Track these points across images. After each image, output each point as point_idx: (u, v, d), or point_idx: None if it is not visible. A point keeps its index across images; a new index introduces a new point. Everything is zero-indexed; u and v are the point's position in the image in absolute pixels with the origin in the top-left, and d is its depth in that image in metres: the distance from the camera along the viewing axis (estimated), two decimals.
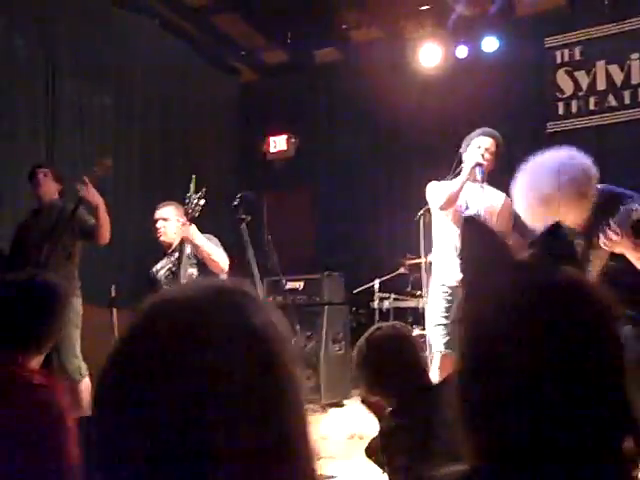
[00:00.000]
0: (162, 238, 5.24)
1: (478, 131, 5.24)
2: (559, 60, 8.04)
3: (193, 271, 5.03)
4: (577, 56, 7.94)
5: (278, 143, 9.57)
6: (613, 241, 3.36)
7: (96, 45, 7.72)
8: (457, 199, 4.90)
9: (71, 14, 7.39)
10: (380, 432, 2.65)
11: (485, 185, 5.01)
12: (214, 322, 0.89)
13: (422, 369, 2.70)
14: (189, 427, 0.83)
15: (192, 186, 4.85)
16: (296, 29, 8.81)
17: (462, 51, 8.07)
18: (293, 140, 9.48)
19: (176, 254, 5.07)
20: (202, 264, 4.99)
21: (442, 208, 4.95)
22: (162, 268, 5.24)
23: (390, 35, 8.64)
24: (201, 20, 8.99)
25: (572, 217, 3.42)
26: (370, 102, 8.41)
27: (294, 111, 9.27)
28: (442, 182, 5.09)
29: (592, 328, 0.96)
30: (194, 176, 4.89)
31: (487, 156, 4.99)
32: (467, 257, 1.10)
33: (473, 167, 4.92)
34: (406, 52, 8.23)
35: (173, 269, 5.11)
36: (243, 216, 4.64)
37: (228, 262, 5.01)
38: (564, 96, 8.00)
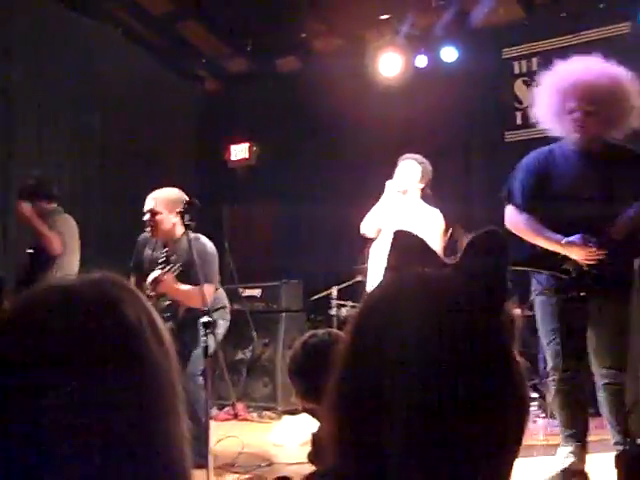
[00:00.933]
0: (154, 233, 5.11)
1: (402, 157, 5.75)
2: (517, 71, 8.12)
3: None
4: (534, 67, 8.01)
5: (239, 151, 9.55)
6: None
7: (57, 53, 7.68)
8: (379, 225, 5.43)
9: (32, 21, 7.34)
10: (312, 438, 2.64)
11: (415, 206, 5.49)
12: (88, 312, 0.90)
13: None
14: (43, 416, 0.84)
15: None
16: (257, 37, 8.83)
17: (422, 60, 8.12)
18: (254, 148, 9.47)
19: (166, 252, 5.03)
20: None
21: (368, 235, 5.51)
22: (156, 260, 5.07)
23: (350, 44, 8.68)
24: (164, 28, 8.98)
25: None
26: (331, 111, 8.43)
27: (256, 119, 9.27)
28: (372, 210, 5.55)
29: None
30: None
31: (404, 180, 5.56)
32: (392, 264, 1.09)
33: (391, 194, 5.49)
34: (366, 61, 8.25)
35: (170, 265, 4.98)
36: (188, 222, 4.61)
37: (212, 291, 4.97)
38: (522, 106, 8.07)
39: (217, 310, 5.18)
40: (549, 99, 4.23)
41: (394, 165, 8.29)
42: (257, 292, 7.59)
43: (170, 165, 9.03)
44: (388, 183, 5.54)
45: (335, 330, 2.99)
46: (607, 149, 4.09)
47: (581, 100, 4.02)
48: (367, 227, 5.52)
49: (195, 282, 4.61)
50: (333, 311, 7.18)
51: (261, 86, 9.29)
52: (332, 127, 8.75)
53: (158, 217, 5.02)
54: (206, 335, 4.32)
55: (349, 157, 8.82)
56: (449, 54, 8.03)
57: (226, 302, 5.42)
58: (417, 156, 5.68)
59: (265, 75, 9.30)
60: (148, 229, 5.10)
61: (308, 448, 2.95)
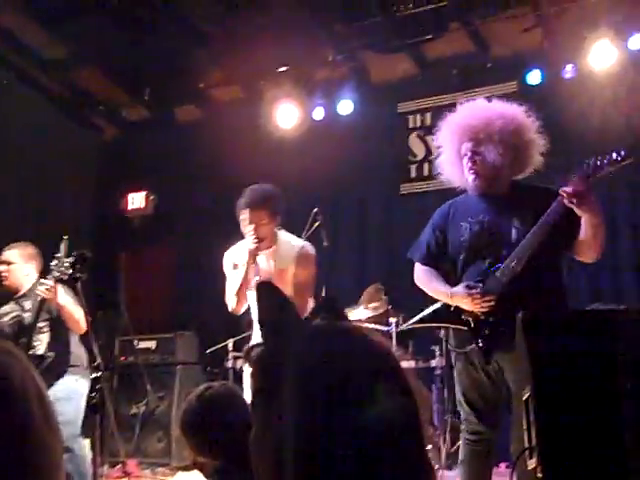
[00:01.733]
0: (5, 283, 5.08)
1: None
2: (411, 125, 8.34)
3: (44, 325, 4.90)
4: (428, 121, 8.25)
5: (136, 200, 9.43)
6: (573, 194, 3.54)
7: None
8: (244, 295, 4.76)
9: None
10: None
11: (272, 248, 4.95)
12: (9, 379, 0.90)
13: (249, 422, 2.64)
14: None
15: (63, 247, 4.70)
16: (156, 85, 8.79)
17: (319, 113, 8.24)
18: (152, 197, 9.37)
19: (28, 303, 4.94)
20: (55, 319, 4.91)
21: (235, 312, 4.91)
22: (7, 314, 5.05)
23: (249, 95, 8.74)
24: (59, 73, 8.84)
25: None
26: (229, 161, 8.43)
27: (153, 168, 9.19)
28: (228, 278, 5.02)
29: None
30: (66, 237, 4.75)
31: (249, 229, 4.85)
32: (261, 320, 1.14)
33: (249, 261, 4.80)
34: (263, 112, 8.32)
35: (21, 318, 4.94)
36: (78, 275, 4.51)
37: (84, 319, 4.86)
38: (416, 159, 8.28)
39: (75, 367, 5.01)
40: (444, 149, 4.20)
41: (289, 216, 8.36)
42: (152, 344, 7.47)
43: (67, 214, 8.84)
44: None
45: (231, 383, 2.96)
46: (512, 189, 3.97)
47: (468, 142, 3.92)
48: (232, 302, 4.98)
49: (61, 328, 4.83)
50: (229, 363, 7.11)
51: (160, 135, 9.24)
52: (229, 177, 8.73)
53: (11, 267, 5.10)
54: (96, 391, 4.22)
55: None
56: (345, 107, 8.16)
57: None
58: (259, 195, 5.09)
59: (164, 123, 9.25)
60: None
61: None
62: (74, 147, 9.26)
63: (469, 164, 3.93)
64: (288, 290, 4.64)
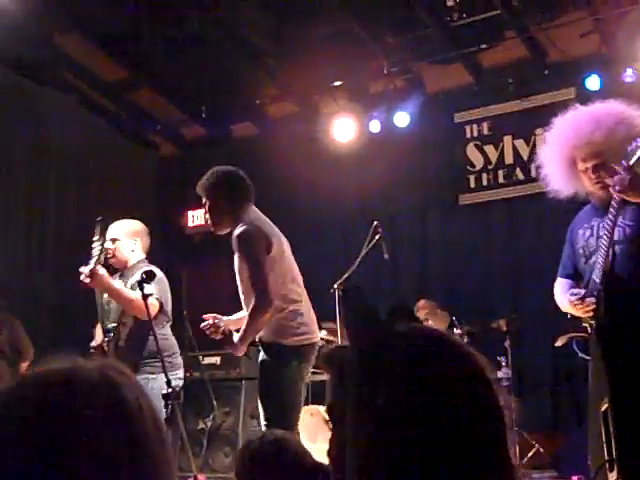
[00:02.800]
0: (112, 260, 5.08)
1: None
2: (469, 135, 8.30)
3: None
4: (485, 131, 8.21)
5: (197, 217, 9.55)
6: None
7: (10, 119, 7.66)
8: None
9: None
10: None
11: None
12: (88, 400, 0.89)
13: (306, 472, 2.62)
14: None
15: (97, 230, 4.79)
16: (212, 103, 8.90)
17: (375, 126, 8.24)
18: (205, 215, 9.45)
19: (132, 279, 4.90)
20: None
21: None
22: None
23: (304, 109, 8.80)
24: (118, 95, 9.03)
25: None
26: (286, 176, 8.50)
27: None
28: None
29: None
30: (99, 219, 4.84)
31: None
32: (347, 326, 1.19)
33: None
34: (320, 127, 8.37)
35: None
36: (148, 293, 4.58)
37: (156, 307, 4.86)
38: (475, 169, 8.23)
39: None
40: (552, 159, 4.10)
41: (348, 229, 8.41)
42: (216, 360, 7.52)
43: None
44: None
45: (280, 432, 2.88)
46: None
47: (587, 158, 3.86)
48: None
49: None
50: None
51: (216, 151, 9.33)
52: (286, 192, 8.80)
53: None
54: (167, 407, 4.27)
55: (303, 221, 8.86)
56: (402, 119, 8.16)
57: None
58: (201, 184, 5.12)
59: (220, 140, 9.36)
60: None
61: None
62: (133, 165, 9.43)
63: (593, 177, 3.87)
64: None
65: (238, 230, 4.51)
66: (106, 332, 4.97)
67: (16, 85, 7.79)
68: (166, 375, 4.38)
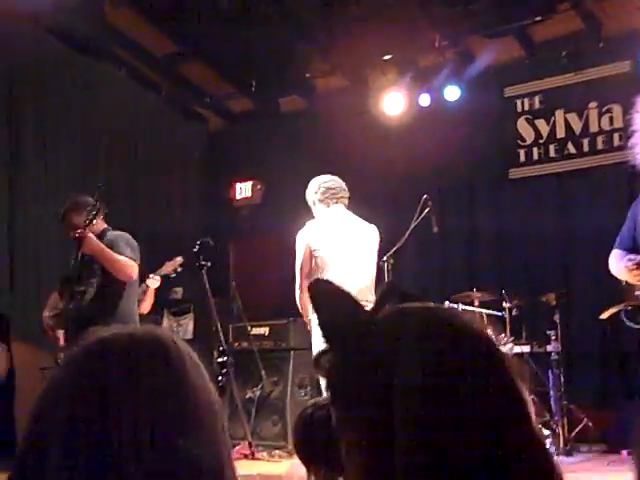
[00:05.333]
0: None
1: None
2: (519, 109, 8.22)
3: (96, 266, 4.94)
4: (537, 105, 8.12)
5: (244, 190, 9.61)
6: None
7: (62, 93, 7.77)
8: None
9: (37, 61, 7.42)
10: None
11: None
12: (147, 379, 0.95)
13: None
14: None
15: (96, 195, 4.92)
16: (261, 77, 8.92)
17: (425, 99, 8.20)
18: (259, 187, 9.53)
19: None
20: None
21: None
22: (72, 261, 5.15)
23: (354, 83, 8.79)
24: (167, 68, 9.08)
25: None
26: (334, 150, 8.49)
27: (260, 158, 9.34)
28: None
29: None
30: (100, 185, 4.93)
31: None
32: (323, 323, 1.03)
33: None
34: (369, 100, 8.35)
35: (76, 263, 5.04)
36: (203, 262, 4.63)
37: (136, 268, 4.96)
38: (525, 144, 8.16)
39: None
40: None
41: (397, 202, 8.40)
42: (265, 330, 7.59)
43: (174, 203, 9.10)
44: None
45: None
46: None
47: None
48: None
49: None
50: None
51: (265, 125, 9.37)
52: (335, 165, 8.76)
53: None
54: (222, 375, 4.34)
55: (353, 195, 8.86)
56: (452, 93, 8.10)
57: None
58: None
59: (269, 114, 9.38)
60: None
61: None
62: (182, 138, 9.52)
63: None
64: None
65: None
66: (72, 294, 5.01)
67: (67, 59, 7.87)
68: (222, 344, 4.45)
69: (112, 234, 5.09)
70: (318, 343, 4.85)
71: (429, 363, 0.91)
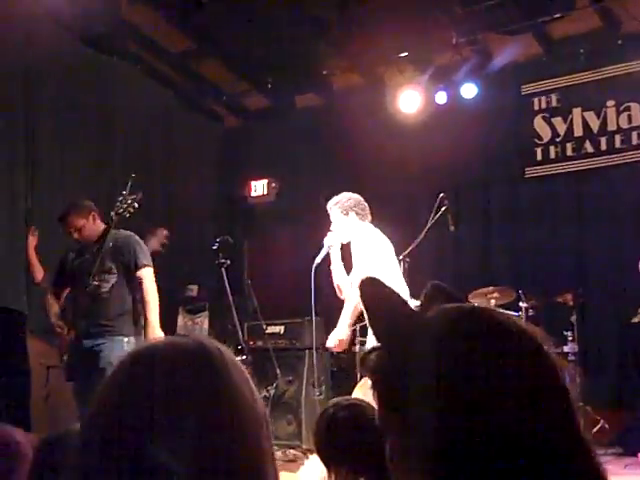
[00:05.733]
0: (82, 240, 5.23)
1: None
2: (536, 107, 8.17)
3: (112, 265, 5.04)
4: (554, 103, 8.07)
5: (259, 187, 9.59)
6: None
7: (78, 91, 7.77)
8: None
9: (53, 58, 7.42)
10: None
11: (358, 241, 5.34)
12: (193, 387, 0.94)
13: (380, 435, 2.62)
14: None
15: (129, 185, 4.92)
16: (277, 74, 8.90)
17: (441, 97, 8.16)
18: (274, 185, 9.51)
19: (96, 246, 5.09)
20: (119, 260, 5.06)
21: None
22: (76, 258, 5.23)
23: (370, 81, 8.76)
24: (183, 66, 9.08)
25: None
26: (350, 147, 8.48)
27: (275, 156, 9.33)
28: None
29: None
30: (133, 175, 4.96)
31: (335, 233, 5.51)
32: (373, 324, 1.05)
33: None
34: (386, 98, 8.31)
35: (89, 260, 5.09)
36: (222, 260, 4.64)
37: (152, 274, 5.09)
38: (542, 142, 8.12)
39: None
40: None
41: (413, 201, 8.37)
42: (280, 329, 7.58)
43: (189, 201, 9.09)
44: (325, 240, 5.56)
45: (357, 398, 2.90)
46: None
47: None
48: (339, 291, 5.49)
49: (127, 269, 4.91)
50: (356, 348, 7.17)
51: (280, 123, 9.35)
52: (351, 163, 8.79)
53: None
54: None
55: (368, 193, 8.81)
56: (469, 91, 8.06)
57: None
58: (331, 201, 5.68)
59: (284, 111, 9.37)
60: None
61: None
62: (198, 136, 9.51)
63: None
64: None
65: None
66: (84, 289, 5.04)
67: (83, 56, 7.88)
68: (239, 342, 4.45)
69: (121, 237, 5.16)
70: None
71: (482, 361, 0.92)
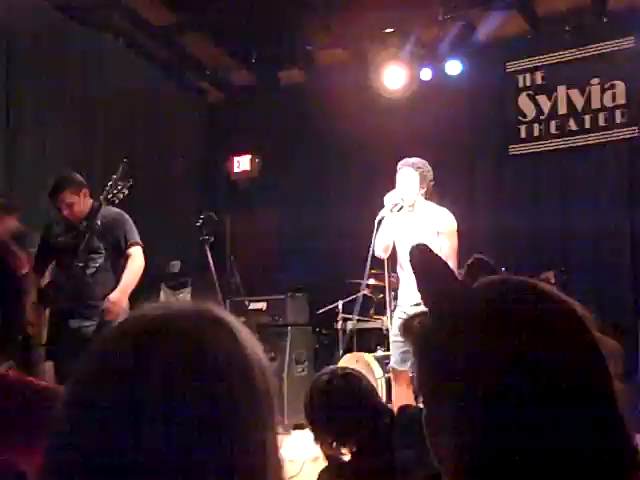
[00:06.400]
0: (71, 217, 5.11)
1: (400, 164, 5.59)
2: (521, 84, 8.15)
3: (100, 245, 4.99)
4: (539, 80, 8.05)
5: (242, 163, 9.54)
6: None
7: (60, 64, 7.67)
8: (387, 245, 5.34)
9: (35, 31, 7.32)
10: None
11: (421, 212, 5.35)
12: (210, 353, 0.88)
13: (378, 409, 2.62)
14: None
15: (120, 170, 4.87)
16: (261, 49, 8.83)
17: (426, 74, 8.13)
18: (257, 160, 9.47)
19: (83, 223, 5.01)
20: (109, 240, 5.01)
21: (383, 257, 5.43)
22: (62, 235, 5.13)
23: (354, 57, 8.70)
24: (166, 39, 8.97)
25: None
26: (334, 123, 8.43)
27: (259, 131, 9.27)
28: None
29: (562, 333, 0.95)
30: (125, 160, 4.91)
31: (405, 192, 5.34)
32: (422, 289, 1.09)
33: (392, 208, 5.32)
34: (370, 74, 8.26)
35: (75, 239, 5.00)
36: (206, 237, 4.61)
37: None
38: (526, 119, 8.11)
39: None
40: None
41: (396, 178, 8.34)
42: (262, 305, 7.56)
43: (171, 176, 9.03)
44: (386, 198, 5.39)
45: (355, 371, 2.89)
46: None
47: None
48: (379, 249, 5.38)
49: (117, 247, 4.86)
50: (339, 325, 7.19)
51: (264, 98, 9.29)
52: (335, 139, 8.77)
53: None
54: None
55: (352, 169, 8.83)
56: (454, 67, 8.04)
57: None
58: (415, 161, 5.50)
59: (268, 87, 9.30)
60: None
61: (320, 463, 2.93)
62: (179, 111, 9.42)
63: None
64: None
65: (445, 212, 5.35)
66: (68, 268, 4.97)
67: (64, 28, 7.77)
68: None
69: (110, 213, 5.07)
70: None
71: (530, 329, 0.93)
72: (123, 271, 4.98)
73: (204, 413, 0.84)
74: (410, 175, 5.37)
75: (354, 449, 2.56)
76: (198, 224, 4.62)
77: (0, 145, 7.09)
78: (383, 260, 5.66)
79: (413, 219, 5.29)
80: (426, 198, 5.45)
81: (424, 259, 1.07)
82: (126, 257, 5.01)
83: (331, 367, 2.82)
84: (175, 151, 9.19)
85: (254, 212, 9.23)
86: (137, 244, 5.04)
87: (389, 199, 5.33)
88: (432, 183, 5.47)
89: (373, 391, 2.68)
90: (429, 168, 5.47)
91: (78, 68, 7.91)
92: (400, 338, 4.78)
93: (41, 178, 7.11)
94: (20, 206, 6.61)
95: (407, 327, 1.08)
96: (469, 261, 1.12)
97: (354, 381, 2.64)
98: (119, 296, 4.83)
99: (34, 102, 7.46)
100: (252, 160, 9.49)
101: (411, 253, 1.06)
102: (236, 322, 0.95)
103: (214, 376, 0.86)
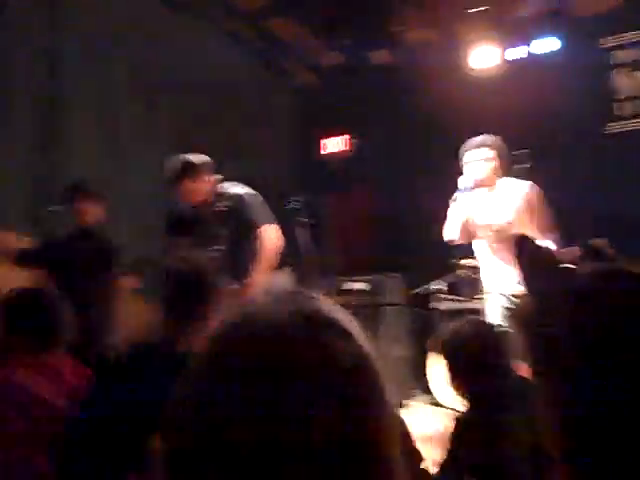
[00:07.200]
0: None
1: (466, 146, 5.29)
2: (617, 61, 8.02)
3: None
4: (634, 57, 7.91)
5: (334, 144, 9.65)
6: None
7: (147, 47, 7.78)
8: (461, 231, 5.07)
9: (120, 14, 7.43)
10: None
11: (502, 189, 5.10)
12: (302, 359, 0.86)
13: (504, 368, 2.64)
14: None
15: None
16: (350, 31, 8.88)
17: (517, 53, 8.07)
18: (349, 141, 9.57)
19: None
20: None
21: (456, 241, 5.17)
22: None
23: (444, 37, 8.69)
24: (255, 22, 9.09)
25: None
26: (424, 103, 8.46)
27: (350, 112, 9.35)
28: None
29: None
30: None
31: (479, 169, 5.10)
32: (529, 281, 1.10)
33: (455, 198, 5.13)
34: (460, 54, 8.26)
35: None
36: (306, 220, 4.70)
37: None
38: (622, 97, 7.98)
39: None
40: None
41: None
42: (359, 285, 7.67)
43: (265, 161, 9.17)
44: (460, 180, 5.15)
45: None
46: None
47: None
48: (451, 233, 5.15)
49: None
50: (436, 305, 7.26)
51: (355, 79, 9.36)
52: (424, 120, 8.78)
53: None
54: None
55: (444, 150, 8.81)
56: (545, 45, 7.96)
57: None
58: (485, 139, 5.29)
59: (358, 68, 9.36)
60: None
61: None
62: (271, 94, 9.56)
63: None
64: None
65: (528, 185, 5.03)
66: None
67: (152, 12, 7.88)
68: None
69: (235, 191, 5.02)
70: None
71: (633, 321, 0.92)
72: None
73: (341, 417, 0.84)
74: (485, 154, 5.17)
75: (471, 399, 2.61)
76: (297, 207, 4.69)
77: (105, 130, 7.29)
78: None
79: (494, 198, 5.07)
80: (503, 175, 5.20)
81: (531, 249, 1.08)
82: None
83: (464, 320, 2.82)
84: (267, 133, 9.32)
85: (348, 193, 9.33)
86: (268, 224, 4.86)
87: (462, 182, 5.12)
88: (509, 160, 5.26)
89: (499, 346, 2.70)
90: (503, 144, 5.29)
91: (166, 52, 7.93)
92: (499, 322, 4.77)
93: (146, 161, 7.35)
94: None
95: (517, 317, 1.13)
96: (582, 247, 1.13)
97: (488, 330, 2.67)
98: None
99: (128, 89, 7.59)
100: (344, 141, 9.58)
101: (517, 244, 1.08)
102: (343, 316, 0.95)
103: (346, 380, 0.87)
